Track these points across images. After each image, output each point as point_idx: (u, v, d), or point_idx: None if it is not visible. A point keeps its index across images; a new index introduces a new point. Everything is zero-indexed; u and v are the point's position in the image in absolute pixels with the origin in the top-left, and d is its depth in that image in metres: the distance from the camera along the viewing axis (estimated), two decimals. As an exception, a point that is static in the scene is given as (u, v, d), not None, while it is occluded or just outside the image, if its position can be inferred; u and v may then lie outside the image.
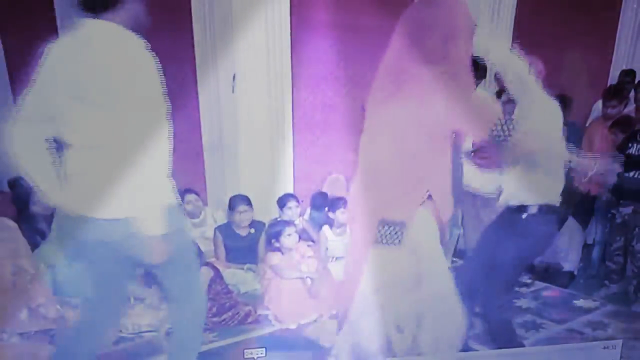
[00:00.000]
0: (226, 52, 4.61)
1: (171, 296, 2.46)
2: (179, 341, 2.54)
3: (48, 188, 2.15)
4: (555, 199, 2.70)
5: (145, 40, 2.03)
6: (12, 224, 3.60)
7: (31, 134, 2.09)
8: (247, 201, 4.22)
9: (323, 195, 4.85)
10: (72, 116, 2.06)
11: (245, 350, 2.72)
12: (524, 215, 2.67)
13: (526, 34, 5.03)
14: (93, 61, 2.00)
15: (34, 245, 3.60)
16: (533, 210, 2.66)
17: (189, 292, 2.41)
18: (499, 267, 2.66)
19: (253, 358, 2.88)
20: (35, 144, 2.10)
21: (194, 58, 4.72)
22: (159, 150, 2.07)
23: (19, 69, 4.59)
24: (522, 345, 2.98)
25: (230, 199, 4.23)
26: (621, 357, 2.23)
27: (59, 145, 2.14)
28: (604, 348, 2.13)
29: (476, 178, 2.69)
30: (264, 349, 2.76)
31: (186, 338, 2.53)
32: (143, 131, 2.01)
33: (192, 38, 4.69)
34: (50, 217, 3.67)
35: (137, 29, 2.06)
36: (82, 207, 2.09)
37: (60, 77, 2.03)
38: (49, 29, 4.58)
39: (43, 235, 3.69)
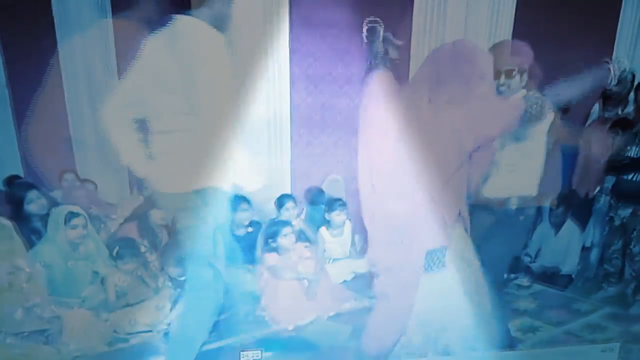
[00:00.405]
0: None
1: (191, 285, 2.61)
2: (182, 338, 2.61)
3: (134, 162, 2.45)
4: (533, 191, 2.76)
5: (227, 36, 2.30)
6: (8, 222, 3.59)
7: (120, 115, 2.39)
8: (247, 200, 4.20)
9: (319, 190, 4.84)
10: (157, 103, 2.33)
11: (241, 353, 2.71)
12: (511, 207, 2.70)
13: (526, 35, 5.02)
14: (180, 53, 2.23)
15: (30, 245, 3.58)
16: (514, 202, 2.70)
17: (208, 284, 2.54)
18: (489, 264, 2.64)
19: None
20: (122, 124, 2.40)
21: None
22: (231, 135, 2.28)
23: (17, 68, 4.60)
24: (515, 345, 2.97)
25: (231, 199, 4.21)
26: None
27: (144, 128, 2.42)
28: (602, 351, 2.12)
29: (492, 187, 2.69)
30: (260, 351, 2.75)
31: (191, 335, 2.60)
32: (218, 118, 2.23)
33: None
34: (45, 216, 3.65)
35: (218, 25, 2.30)
36: (165, 184, 2.42)
37: (150, 67, 2.30)
38: (47, 30, 4.59)
39: (39, 235, 3.67)
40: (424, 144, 2.03)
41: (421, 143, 2.04)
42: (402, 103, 2.10)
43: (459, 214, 2.22)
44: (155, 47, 2.30)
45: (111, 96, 2.40)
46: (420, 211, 2.09)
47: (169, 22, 2.26)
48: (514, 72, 2.51)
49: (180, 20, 2.26)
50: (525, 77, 2.56)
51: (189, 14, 2.26)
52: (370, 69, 2.20)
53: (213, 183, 2.36)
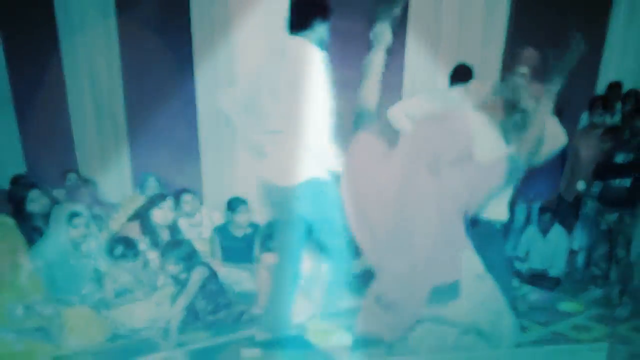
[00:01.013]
0: (225, 54, 4.63)
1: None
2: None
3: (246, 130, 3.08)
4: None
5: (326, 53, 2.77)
6: (10, 220, 3.62)
7: (235, 104, 3.01)
8: (246, 202, 4.27)
9: None
10: (268, 106, 2.84)
11: (242, 350, 2.77)
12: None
13: (517, 47, 5.11)
14: (288, 66, 2.73)
15: (32, 242, 3.62)
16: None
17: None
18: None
19: (249, 358, 2.93)
20: (237, 111, 3.03)
21: (192, 60, 4.74)
22: (324, 135, 2.76)
23: (19, 67, 4.59)
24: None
25: (231, 200, 4.27)
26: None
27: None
28: (591, 350, 2.19)
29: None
30: (259, 350, 2.81)
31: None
32: (315, 119, 2.68)
33: (191, 40, 4.72)
34: (47, 214, 3.68)
35: (318, 44, 2.78)
36: (275, 177, 2.87)
37: (265, 76, 2.86)
38: (50, 30, 4.58)
39: (40, 233, 3.70)
40: (424, 207, 2.09)
41: (421, 206, 2.09)
42: (394, 169, 2.16)
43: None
44: (269, 59, 2.89)
45: (228, 89, 3.13)
46: (425, 260, 2.14)
47: (280, 41, 2.88)
48: (528, 76, 2.66)
49: (290, 39, 2.82)
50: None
51: (296, 35, 2.81)
52: (355, 128, 2.29)
53: (313, 174, 2.81)
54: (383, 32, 2.38)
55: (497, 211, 2.90)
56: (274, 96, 2.81)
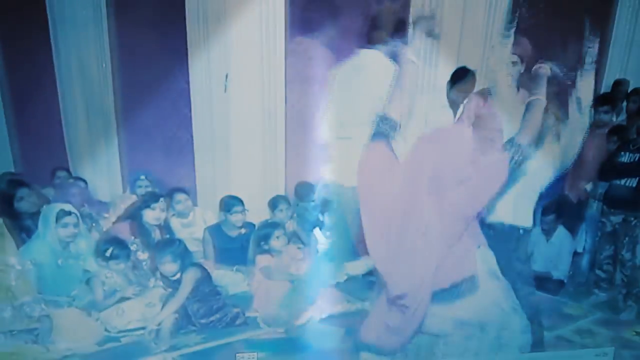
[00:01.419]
0: (219, 50, 4.60)
1: None
2: None
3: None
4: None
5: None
6: (-2, 220, 3.57)
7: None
8: (241, 202, 4.22)
9: (309, 185, 4.82)
10: (344, 114, 3.22)
11: (237, 355, 2.70)
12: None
13: (519, 44, 5.05)
14: (364, 76, 3.11)
15: (21, 242, 3.56)
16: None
17: None
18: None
19: (245, 362, 2.85)
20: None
21: (186, 56, 4.70)
22: None
23: (10, 66, 4.58)
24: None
25: (225, 200, 4.22)
26: (612, 365, 2.24)
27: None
28: (596, 355, 2.14)
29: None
30: (255, 353, 2.73)
31: None
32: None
33: (185, 36, 4.68)
34: (36, 214, 3.63)
35: (392, 57, 2.99)
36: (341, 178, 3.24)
37: (341, 87, 3.28)
38: (41, 29, 4.56)
39: (29, 232, 3.64)
40: (433, 217, 2.05)
41: (425, 218, 2.06)
42: (400, 181, 2.13)
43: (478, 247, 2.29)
44: (346, 70, 3.23)
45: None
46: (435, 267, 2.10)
47: (355, 54, 3.23)
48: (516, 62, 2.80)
49: (366, 52, 3.17)
50: (524, 65, 2.84)
51: (372, 48, 3.16)
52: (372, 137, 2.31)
53: None
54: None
55: (521, 216, 2.93)
56: (349, 104, 3.16)
